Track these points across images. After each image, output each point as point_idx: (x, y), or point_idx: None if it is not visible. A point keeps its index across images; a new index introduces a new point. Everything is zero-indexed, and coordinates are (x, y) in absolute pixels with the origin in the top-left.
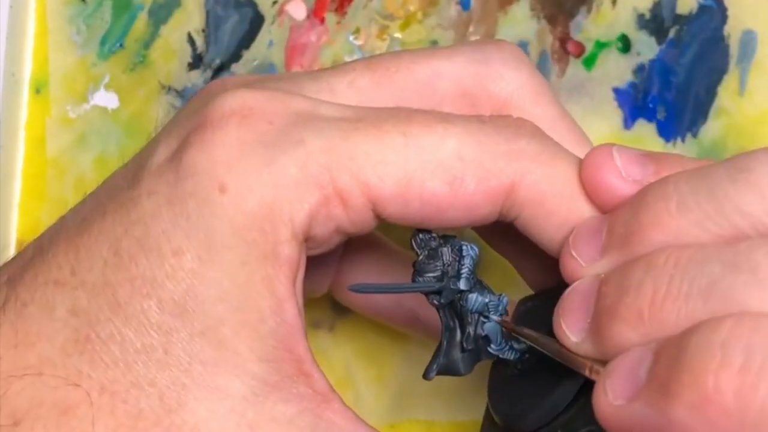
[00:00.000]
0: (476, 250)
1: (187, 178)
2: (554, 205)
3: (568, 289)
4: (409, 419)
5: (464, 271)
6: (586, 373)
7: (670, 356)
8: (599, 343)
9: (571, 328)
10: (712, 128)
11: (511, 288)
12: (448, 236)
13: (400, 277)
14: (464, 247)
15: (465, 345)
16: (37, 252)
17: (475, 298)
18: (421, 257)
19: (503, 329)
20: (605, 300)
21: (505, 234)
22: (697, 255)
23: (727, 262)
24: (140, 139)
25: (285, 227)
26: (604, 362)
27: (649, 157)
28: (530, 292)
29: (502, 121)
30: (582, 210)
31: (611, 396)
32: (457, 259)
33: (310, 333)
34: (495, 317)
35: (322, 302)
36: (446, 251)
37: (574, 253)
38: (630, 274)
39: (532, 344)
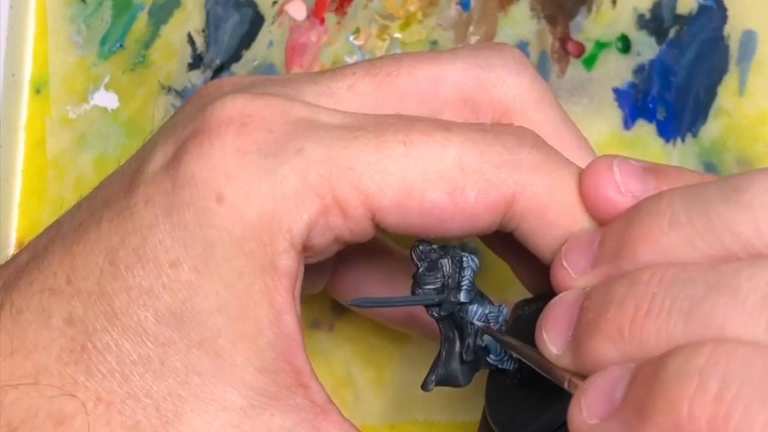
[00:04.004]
0: (477, 261)
1: (184, 187)
2: (554, 217)
3: (553, 300)
4: (409, 419)
5: (464, 283)
6: (565, 386)
7: (647, 379)
8: (579, 357)
9: (553, 340)
10: (712, 128)
11: (511, 288)
12: (449, 247)
13: (396, 275)
14: (464, 259)
15: (464, 356)
16: (32, 258)
17: (474, 310)
18: (421, 269)
19: (486, 319)
20: (587, 314)
21: (503, 237)
22: (681, 274)
23: (709, 283)
24: (140, 140)
25: (283, 238)
26: (583, 376)
27: (650, 170)
28: (529, 294)
29: (503, 130)
30: (582, 223)
31: (586, 414)
32: (458, 270)
33: (310, 333)
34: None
35: (322, 302)
36: (446, 263)
37: (565, 264)
38: (613, 289)
39: (511, 351)
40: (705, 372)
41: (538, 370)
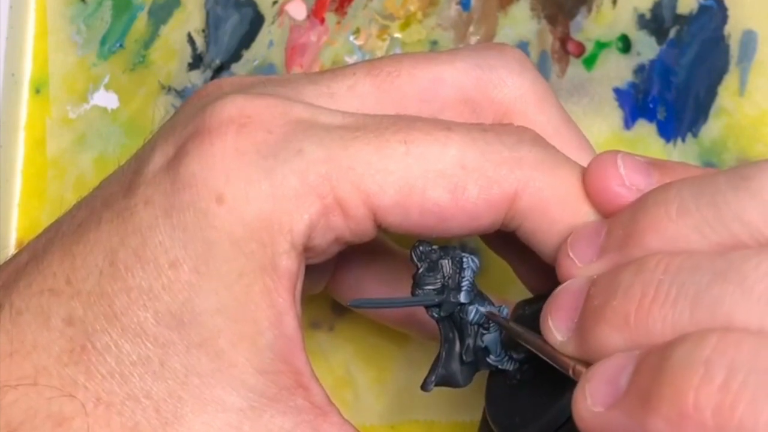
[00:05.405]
0: (477, 262)
1: (184, 188)
2: (557, 213)
3: (559, 288)
4: (410, 419)
5: (464, 284)
6: (569, 373)
7: (653, 367)
8: (584, 344)
9: (558, 327)
10: (712, 128)
11: (511, 288)
12: (449, 247)
13: (397, 275)
14: (465, 259)
15: (464, 357)
16: (31, 258)
17: (475, 310)
18: (421, 270)
19: (486, 319)
20: (593, 301)
21: (504, 236)
22: (687, 262)
23: (716, 271)
24: (140, 139)
25: (284, 238)
26: (588, 363)
27: (654, 165)
28: (529, 294)
29: (503, 129)
30: (585, 218)
31: (590, 401)
32: (458, 271)
33: (310, 333)
34: (494, 330)
35: (322, 302)
36: (446, 263)
37: (571, 254)
38: (619, 276)
39: (516, 338)
40: (711, 361)
41: (542, 356)
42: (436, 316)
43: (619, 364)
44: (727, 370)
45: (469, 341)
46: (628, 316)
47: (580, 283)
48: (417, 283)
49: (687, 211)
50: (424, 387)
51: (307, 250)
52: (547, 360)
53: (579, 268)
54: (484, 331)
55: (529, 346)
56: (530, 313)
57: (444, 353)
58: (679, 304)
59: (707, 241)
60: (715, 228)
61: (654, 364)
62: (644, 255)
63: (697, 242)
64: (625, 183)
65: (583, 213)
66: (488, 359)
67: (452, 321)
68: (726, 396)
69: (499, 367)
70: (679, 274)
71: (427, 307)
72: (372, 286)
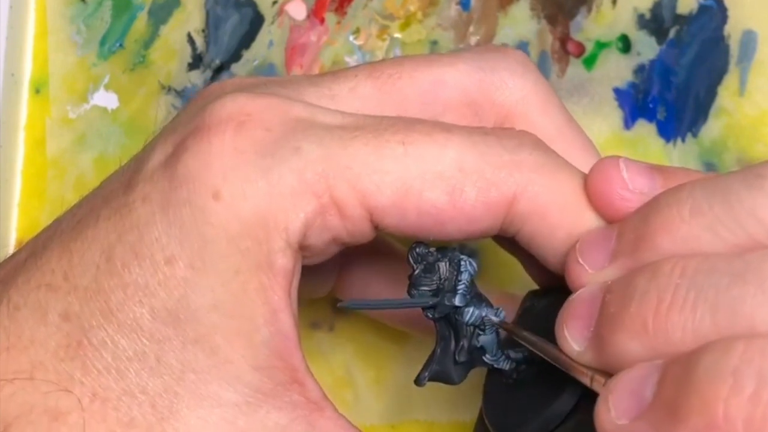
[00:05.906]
0: (474, 265)
1: (181, 185)
2: (557, 218)
3: (573, 296)
4: (410, 419)
5: (460, 287)
6: (588, 383)
7: (679, 377)
8: (602, 353)
9: (574, 336)
10: (712, 128)
11: (515, 285)
12: (447, 249)
13: (401, 276)
14: (462, 262)
15: (457, 357)
16: (30, 255)
17: (471, 312)
18: (417, 271)
19: (500, 329)
20: (609, 308)
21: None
22: (704, 264)
23: (735, 273)
24: (140, 139)
25: (279, 236)
26: (605, 372)
27: (657, 169)
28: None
29: (504, 133)
30: (587, 223)
31: (614, 414)
32: (455, 273)
33: (310, 333)
34: (490, 332)
35: (322, 302)
36: (443, 265)
37: (581, 260)
38: (634, 282)
39: (530, 348)
40: (739, 371)
41: (557, 366)
42: (431, 316)
43: (642, 375)
44: (756, 379)
45: (464, 342)
46: (646, 322)
47: (593, 290)
48: (413, 284)
49: (700, 210)
50: (417, 381)
51: (303, 248)
52: (563, 370)
53: (590, 274)
54: (480, 332)
55: (544, 356)
56: (539, 308)
57: (439, 350)
58: (698, 309)
59: (721, 241)
60: (729, 227)
61: (679, 374)
62: (657, 258)
63: (711, 242)
64: (629, 187)
65: (585, 218)
66: (484, 358)
67: (449, 321)
68: (757, 407)
69: (495, 366)
70: (696, 278)
71: (423, 308)
72: (378, 287)
